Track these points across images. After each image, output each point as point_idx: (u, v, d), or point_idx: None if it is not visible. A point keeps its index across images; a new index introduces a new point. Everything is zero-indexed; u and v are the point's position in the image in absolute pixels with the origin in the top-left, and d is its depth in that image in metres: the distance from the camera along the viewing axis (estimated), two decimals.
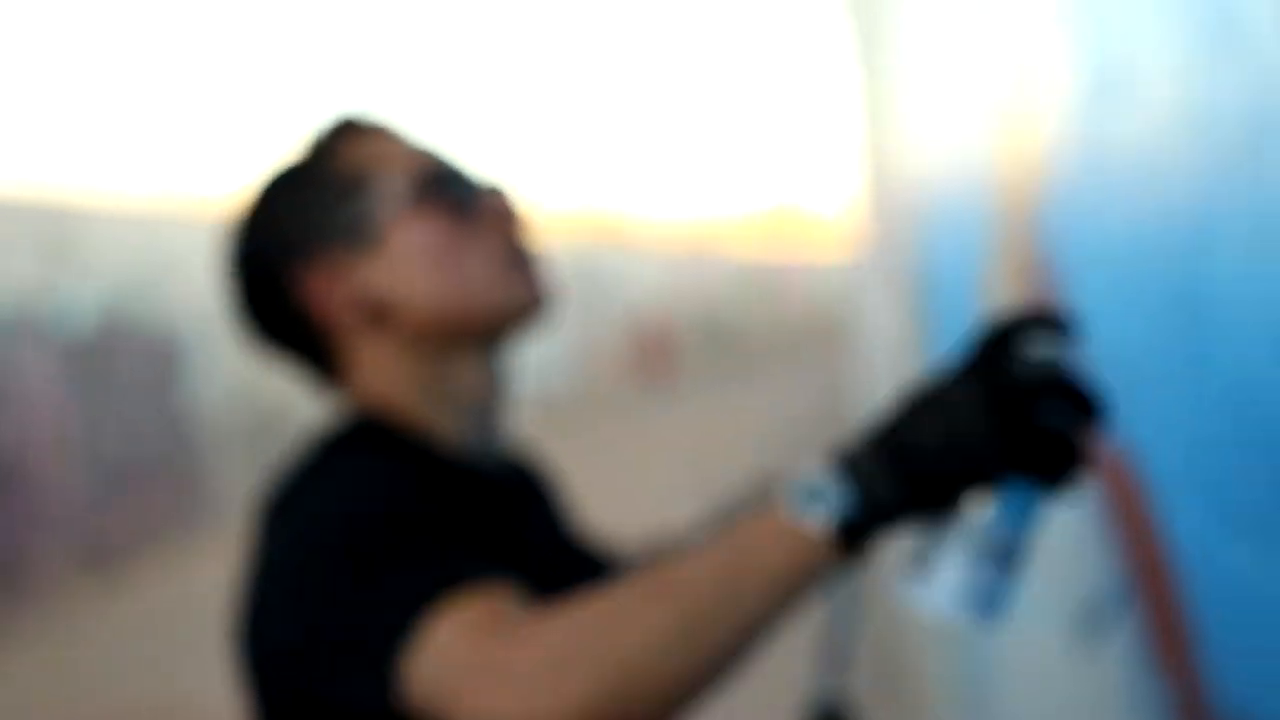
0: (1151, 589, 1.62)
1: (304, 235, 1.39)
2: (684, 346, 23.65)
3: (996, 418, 1.03)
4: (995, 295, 2.58)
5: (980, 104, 2.64)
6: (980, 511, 1.06)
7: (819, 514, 1.04)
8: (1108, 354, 1.76)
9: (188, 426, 10.79)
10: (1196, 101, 1.33)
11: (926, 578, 1.08)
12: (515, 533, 1.42)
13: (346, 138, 1.43)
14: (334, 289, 1.38)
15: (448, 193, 1.39)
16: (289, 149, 1.43)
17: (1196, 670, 1.44)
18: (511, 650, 1.09)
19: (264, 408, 11.65)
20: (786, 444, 12.22)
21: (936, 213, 3.68)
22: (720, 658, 1.06)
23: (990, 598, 1.07)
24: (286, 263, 1.40)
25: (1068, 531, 2.02)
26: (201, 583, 8.91)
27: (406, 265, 1.35)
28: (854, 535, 1.05)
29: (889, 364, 5.54)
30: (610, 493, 7.38)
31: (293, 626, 1.25)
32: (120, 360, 10.09)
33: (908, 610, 5.40)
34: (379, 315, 1.37)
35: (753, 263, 28.58)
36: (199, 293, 10.95)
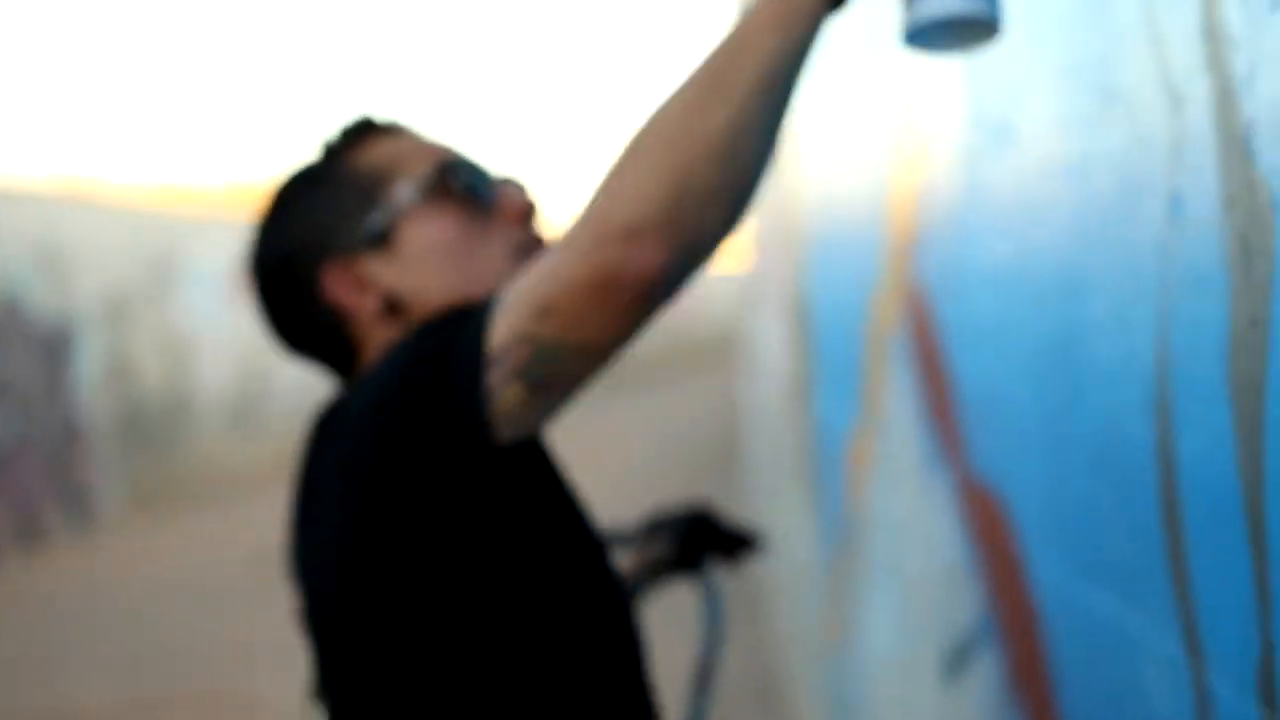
0: (1014, 627, 1.65)
1: (321, 236, 1.41)
2: None
3: None
4: (879, 322, 2.61)
5: (874, 133, 2.68)
6: None
7: None
8: (980, 392, 1.80)
9: (70, 414, 10.60)
10: (1074, 156, 1.36)
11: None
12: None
13: (361, 138, 1.45)
14: (352, 285, 1.40)
15: (461, 187, 1.41)
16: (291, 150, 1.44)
17: (1054, 709, 1.48)
18: (570, 229, 1.11)
19: (139, 396, 11.47)
20: (677, 453, 12.25)
21: (827, 235, 3.72)
22: (758, 101, 1.09)
23: None
24: (305, 263, 1.41)
25: (940, 562, 2.06)
26: (72, 579, 8.74)
27: (420, 261, 1.37)
28: None
29: (780, 377, 5.58)
30: None
31: (376, 420, 1.22)
32: (4, 343, 9.88)
33: (780, 633, 5.44)
34: (396, 308, 1.39)
35: None
36: (92, 276, 10.78)
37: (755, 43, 1.09)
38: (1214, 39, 1.01)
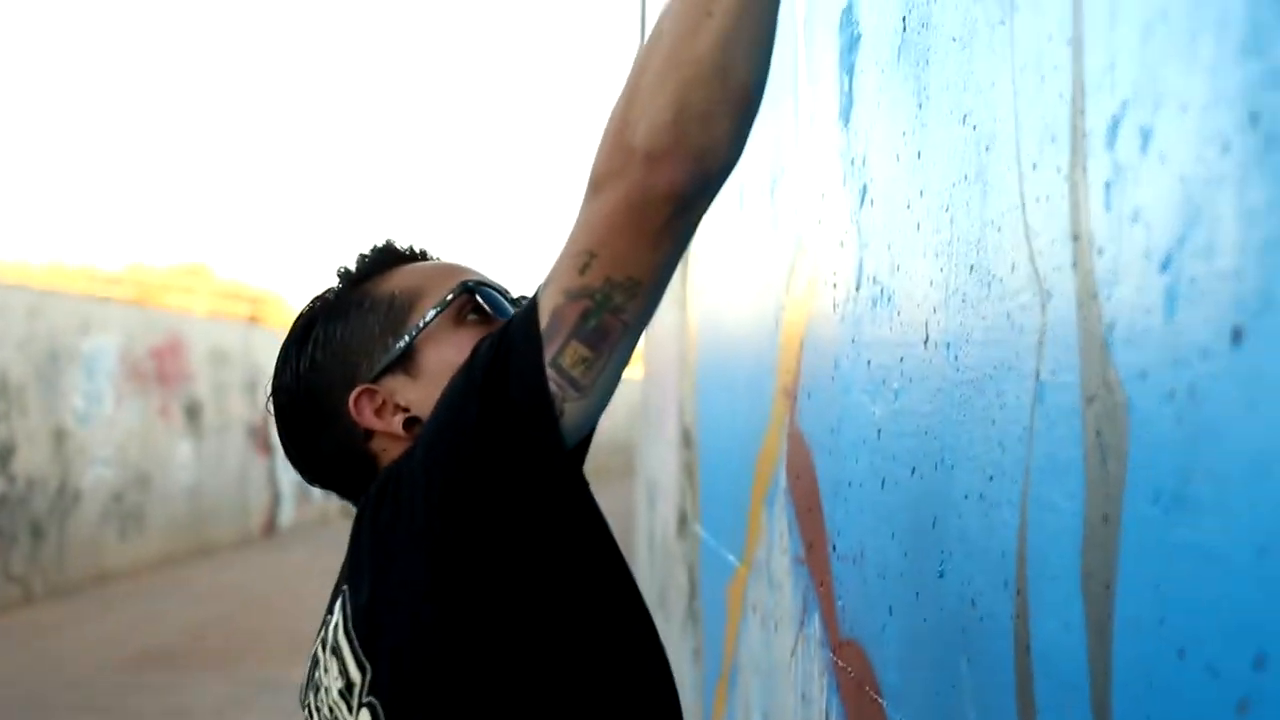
0: None
1: (349, 364, 1.45)
2: None
3: None
4: (764, 465, 2.63)
5: (769, 271, 2.72)
6: None
7: None
8: (852, 548, 1.81)
9: None
10: (949, 329, 1.39)
11: None
12: None
13: (382, 265, 1.50)
14: (377, 407, 1.43)
15: (479, 307, 1.45)
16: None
17: None
18: (590, 179, 1.18)
19: (21, 484, 11.22)
20: None
21: (719, 368, 3.75)
22: (741, 17, 1.15)
23: None
24: (332, 390, 1.45)
25: (809, 717, 2.06)
26: None
27: (441, 380, 1.36)
28: None
29: (670, 502, 5.58)
30: None
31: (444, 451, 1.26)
32: None
33: None
34: (417, 425, 1.41)
35: None
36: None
37: None
38: (1080, 240, 1.04)
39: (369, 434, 1.44)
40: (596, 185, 1.17)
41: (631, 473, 13.18)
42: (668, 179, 1.13)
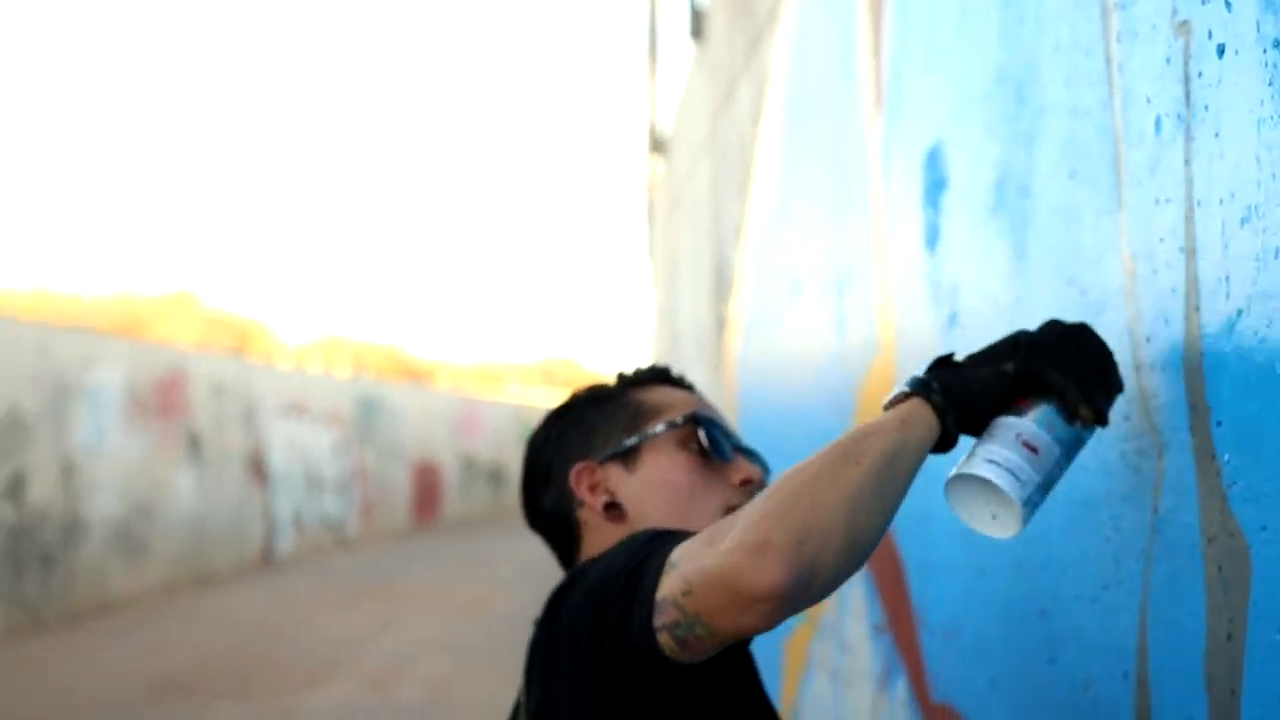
0: None
1: (587, 440, 1.73)
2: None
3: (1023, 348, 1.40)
4: None
5: (846, 367, 2.89)
6: (1022, 419, 1.36)
7: (899, 392, 1.40)
8: (946, 621, 2.02)
9: None
10: None
11: (971, 460, 1.36)
12: None
13: (650, 380, 1.79)
14: (592, 483, 1.70)
15: (704, 441, 1.70)
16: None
17: None
18: (726, 525, 1.32)
19: (30, 515, 11.32)
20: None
21: (776, 439, 3.93)
22: (879, 476, 1.33)
23: (1019, 477, 1.33)
24: (566, 455, 1.73)
25: None
26: None
27: (648, 485, 1.68)
28: (933, 401, 1.38)
29: None
30: None
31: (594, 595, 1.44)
32: None
33: None
34: (616, 511, 1.68)
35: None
36: None
37: (881, 433, 1.35)
38: (1196, 409, 1.27)
39: (580, 503, 1.70)
40: (721, 542, 1.30)
41: None
42: (769, 573, 1.24)
